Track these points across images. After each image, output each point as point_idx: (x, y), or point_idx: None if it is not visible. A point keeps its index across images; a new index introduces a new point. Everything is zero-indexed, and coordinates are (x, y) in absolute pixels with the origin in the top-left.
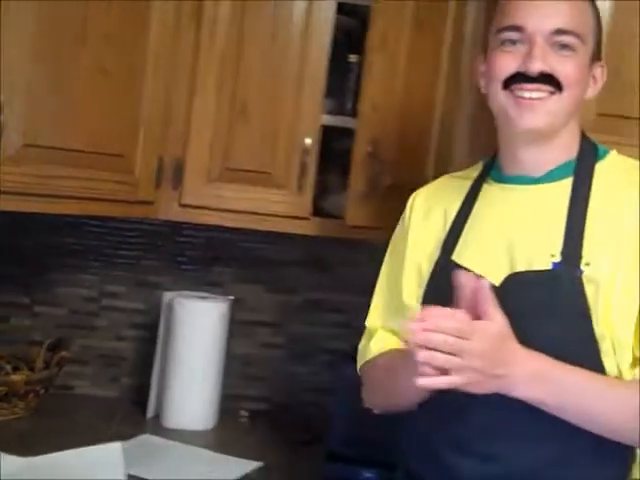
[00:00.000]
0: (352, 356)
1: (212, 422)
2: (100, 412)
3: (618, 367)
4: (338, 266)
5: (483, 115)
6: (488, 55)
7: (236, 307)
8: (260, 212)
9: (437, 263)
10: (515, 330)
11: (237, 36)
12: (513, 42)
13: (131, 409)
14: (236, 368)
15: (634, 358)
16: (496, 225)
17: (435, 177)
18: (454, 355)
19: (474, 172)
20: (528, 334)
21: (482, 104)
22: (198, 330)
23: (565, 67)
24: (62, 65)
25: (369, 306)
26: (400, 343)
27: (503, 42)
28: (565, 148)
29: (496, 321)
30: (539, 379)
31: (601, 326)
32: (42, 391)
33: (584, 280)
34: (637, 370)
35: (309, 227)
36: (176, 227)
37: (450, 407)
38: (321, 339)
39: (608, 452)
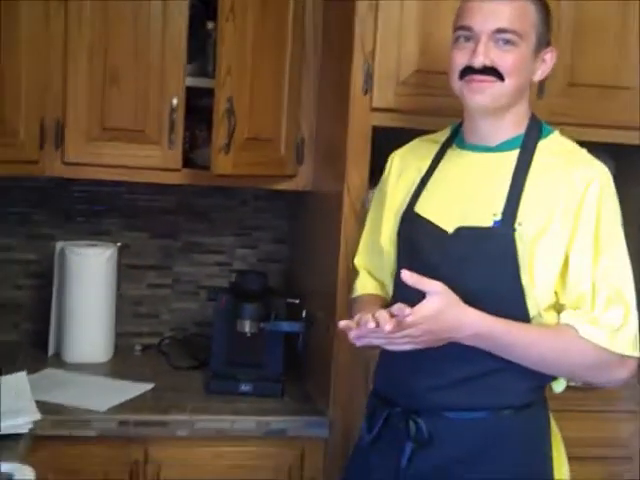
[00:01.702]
0: (228, 290)
1: (108, 355)
2: (3, 355)
3: (538, 309)
4: (212, 212)
5: (326, 73)
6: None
7: (124, 253)
8: (136, 166)
9: (404, 212)
10: (459, 273)
11: (102, 8)
12: (467, 38)
13: (33, 350)
14: (128, 308)
15: (553, 304)
16: (453, 184)
17: (288, 130)
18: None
19: (443, 137)
20: (469, 277)
21: (325, 66)
22: (90, 274)
23: (505, 60)
24: None
25: None
26: (376, 285)
27: (457, 39)
28: (515, 124)
29: (431, 301)
30: (481, 337)
31: (526, 275)
32: None
33: (516, 237)
34: (563, 314)
35: (181, 177)
36: (63, 183)
37: None
38: (202, 278)
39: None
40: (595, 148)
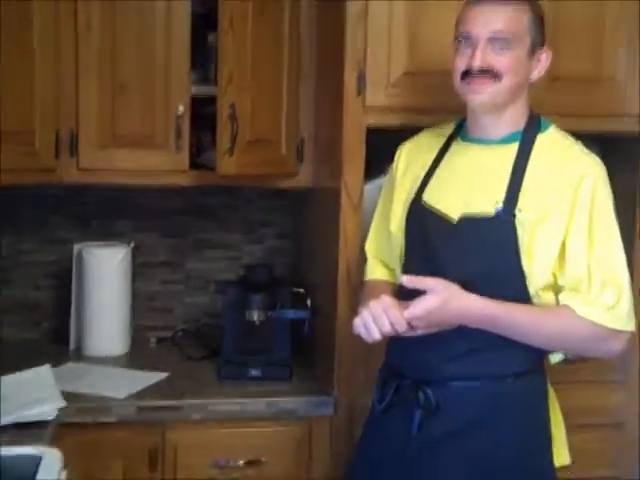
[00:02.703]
0: (236, 283)
1: (125, 348)
2: (26, 352)
3: (536, 289)
4: (219, 211)
5: (322, 76)
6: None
7: (137, 252)
8: (146, 170)
9: (412, 201)
10: (464, 258)
11: (110, 24)
12: (466, 44)
13: (54, 346)
14: (143, 303)
15: (550, 284)
16: (458, 174)
17: (288, 131)
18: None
19: (448, 130)
20: (473, 262)
21: (320, 71)
22: (106, 274)
23: (501, 62)
24: None
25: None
26: (385, 271)
27: (458, 44)
28: (513, 120)
29: (431, 297)
30: (486, 321)
31: (525, 259)
32: None
33: (516, 222)
34: (561, 296)
35: (188, 179)
36: (77, 189)
37: None
38: (211, 272)
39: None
40: (582, 137)
